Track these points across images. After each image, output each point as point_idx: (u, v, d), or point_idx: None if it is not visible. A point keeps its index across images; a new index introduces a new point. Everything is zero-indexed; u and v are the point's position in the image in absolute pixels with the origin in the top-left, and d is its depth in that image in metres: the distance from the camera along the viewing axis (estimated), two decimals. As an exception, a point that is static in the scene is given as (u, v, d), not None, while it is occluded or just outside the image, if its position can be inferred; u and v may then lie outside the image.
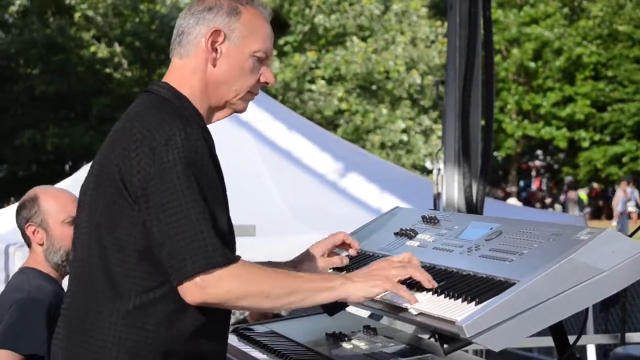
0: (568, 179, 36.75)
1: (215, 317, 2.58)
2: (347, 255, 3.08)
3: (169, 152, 2.47)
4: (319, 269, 2.97)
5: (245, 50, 2.69)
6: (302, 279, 2.60)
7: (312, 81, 24.09)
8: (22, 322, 3.62)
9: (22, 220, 3.85)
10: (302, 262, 2.99)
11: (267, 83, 2.75)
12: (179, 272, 2.46)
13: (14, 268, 6.17)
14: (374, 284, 2.62)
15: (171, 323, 2.53)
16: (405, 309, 2.62)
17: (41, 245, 3.81)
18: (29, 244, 3.89)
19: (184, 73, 2.70)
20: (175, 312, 2.52)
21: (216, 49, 2.68)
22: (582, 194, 35.05)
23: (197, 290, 2.46)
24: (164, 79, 2.73)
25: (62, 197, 3.85)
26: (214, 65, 2.68)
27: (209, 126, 2.74)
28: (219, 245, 2.47)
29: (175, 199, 2.45)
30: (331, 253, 3.05)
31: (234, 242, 2.62)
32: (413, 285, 2.68)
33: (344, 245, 3.09)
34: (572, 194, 35.02)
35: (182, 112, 2.61)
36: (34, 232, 3.82)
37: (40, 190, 3.90)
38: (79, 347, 2.58)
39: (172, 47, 2.75)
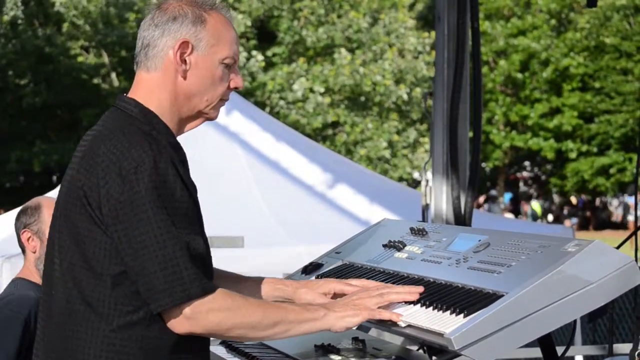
0: (523, 189, 36.22)
1: (195, 335, 2.53)
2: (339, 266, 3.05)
3: (139, 181, 2.42)
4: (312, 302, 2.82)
5: (214, 59, 2.63)
6: (286, 310, 2.58)
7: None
8: None
9: (20, 226, 3.92)
10: (301, 288, 2.89)
11: (237, 88, 2.71)
12: (156, 303, 2.44)
13: (1, 279, 6.17)
14: (355, 313, 2.63)
15: (150, 344, 2.49)
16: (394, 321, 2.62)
17: (34, 252, 3.88)
18: (23, 250, 3.95)
19: (151, 87, 2.62)
20: (154, 333, 2.49)
21: (185, 61, 2.61)
22: (535, 205, 34.59)
23: (185, 321, 2.45)
24: (130, 94, 2.64)
25: None
26: (184, 78, 2.61)
27: (191, 132, 2.71)
28: (196, 276, 2.44)
29: (149, 230, 2.41)
30: (336, 295, 2.86)
31: (210, 264, 2.59)
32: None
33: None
34: (525, 207, 34.59)
35: (150, 131, 2.55)
36: (28, 239, 3.90)
37: (44, 201, 3.98)
38: None
39: (137, 60, 2.66)
